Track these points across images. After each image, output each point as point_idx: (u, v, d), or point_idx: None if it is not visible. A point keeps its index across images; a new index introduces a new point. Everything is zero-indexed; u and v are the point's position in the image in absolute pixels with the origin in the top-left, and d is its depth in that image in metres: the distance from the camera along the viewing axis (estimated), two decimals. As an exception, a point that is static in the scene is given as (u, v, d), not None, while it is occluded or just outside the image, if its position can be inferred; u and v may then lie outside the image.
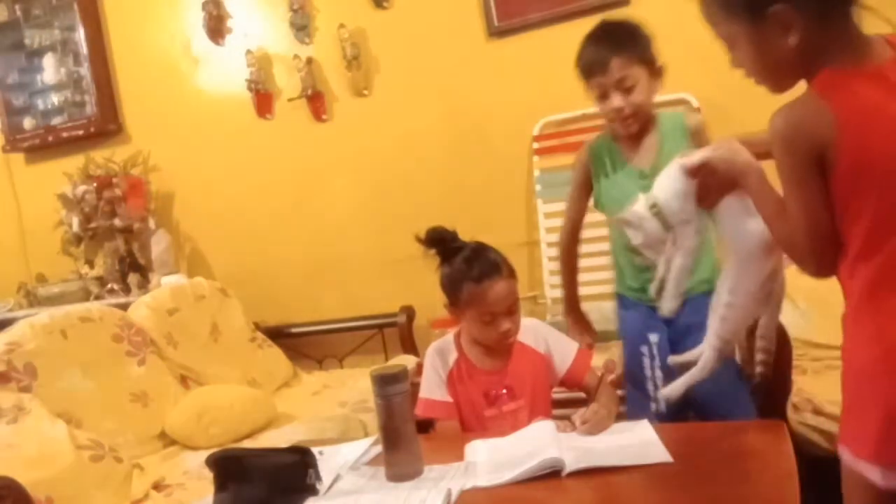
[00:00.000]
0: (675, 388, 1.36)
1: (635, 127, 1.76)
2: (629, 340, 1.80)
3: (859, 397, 1.06)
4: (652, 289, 1.37)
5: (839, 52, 1.00)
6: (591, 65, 1.74)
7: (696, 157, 1.18)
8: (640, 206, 1.25)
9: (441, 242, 1.62)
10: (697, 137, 1.74)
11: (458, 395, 1.67)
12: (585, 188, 1.86)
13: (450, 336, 1.73)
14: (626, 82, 1.71)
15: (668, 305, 1.33)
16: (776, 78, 1.07)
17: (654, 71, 1.75)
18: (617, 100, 1.71)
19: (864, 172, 0.97)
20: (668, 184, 1.20)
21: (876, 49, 1.02)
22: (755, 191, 1.11)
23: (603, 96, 1.74)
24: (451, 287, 1.62)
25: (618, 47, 1.72)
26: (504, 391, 1.66)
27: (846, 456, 1.09)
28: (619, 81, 1.71)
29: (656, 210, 1.22)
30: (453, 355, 1.69)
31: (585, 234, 1.95)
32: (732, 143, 1.16)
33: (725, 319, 1.26)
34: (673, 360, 1.41)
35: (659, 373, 1.64)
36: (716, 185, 1.18)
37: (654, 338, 1.69)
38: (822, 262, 1.05)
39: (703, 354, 1.28)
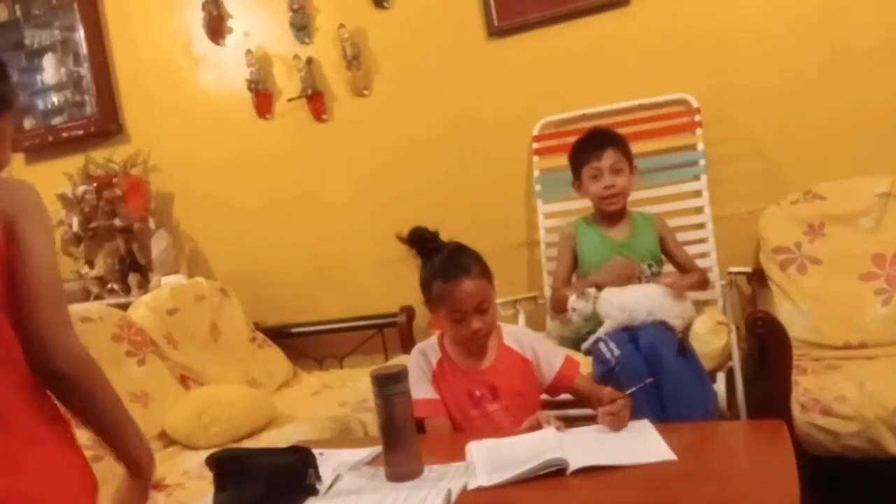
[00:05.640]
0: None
1: (617, 206, 2.29)
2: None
3: None
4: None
5: None
6: (589, 150, 2.27)
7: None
8: (573, 301, 2.14)
9: (421, 242, 1.67)
10: (662, 228, 2.36)
11: (444, 394, 1.69)
12: (573, 255, 2.36)
13: (433, 338, 1.76)
14: (616, 165, 2.25)
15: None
16: None
17: (633, 168, 2.31)
18: (609, 179, 2.25)
19: None
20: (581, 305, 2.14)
21: None
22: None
23: (596, 177, 2.27)
24: (425, 284, 1.68)
25: (612, 142, 2.28)
26: (487, 391, 1.68)
27: None
28: (611, 165, 2.25)
29: (573, 309, 2.14)
30: (437, 356, 1.72)
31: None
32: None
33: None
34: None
35: (616, 350, 1.98)
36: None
37: (601, 333, 2.08)
38: None
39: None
